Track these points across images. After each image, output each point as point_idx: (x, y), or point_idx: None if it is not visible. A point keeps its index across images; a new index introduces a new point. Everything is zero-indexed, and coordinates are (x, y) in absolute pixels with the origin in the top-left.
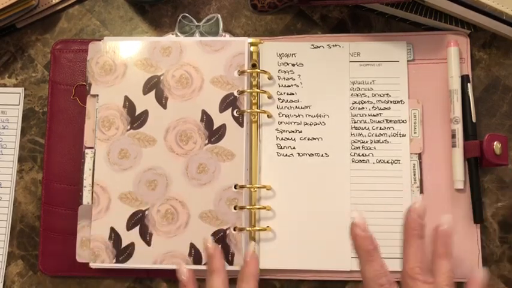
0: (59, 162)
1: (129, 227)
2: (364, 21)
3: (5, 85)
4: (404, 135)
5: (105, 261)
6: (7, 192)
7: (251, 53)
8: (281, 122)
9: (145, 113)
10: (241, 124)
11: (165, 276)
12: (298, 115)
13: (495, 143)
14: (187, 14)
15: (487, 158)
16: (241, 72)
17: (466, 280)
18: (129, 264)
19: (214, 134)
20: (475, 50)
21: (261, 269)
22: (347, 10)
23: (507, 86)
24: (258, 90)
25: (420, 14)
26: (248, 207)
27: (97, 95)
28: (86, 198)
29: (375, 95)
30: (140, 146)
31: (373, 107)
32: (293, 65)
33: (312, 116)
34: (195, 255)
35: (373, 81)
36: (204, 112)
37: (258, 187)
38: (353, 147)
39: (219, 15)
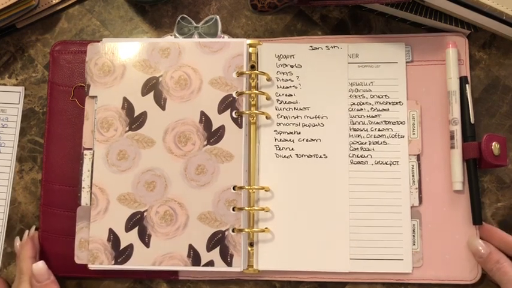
0: (58, 163)
1: (128, 228)
2: (364, 21)
3: (5, 85)
4: (403, 137)
5: (103, 262)
6: (4, 191)
7: (250, 54)
8: (280, 124)
9: (144, 114)
10: (239, 125)
11: (164, 278)
12: (297, 116)
13: (493, 144)
14: (186, 16)
15: (485, 159)
16: (240, 74)
17: (465, 282)
18: (128, 266)
19: (213, 135)
20: (474, 50)
21: (259, 270)
22: (347, 10)
23: (507, 86)
24: (257, 92)
25: (420, 14)
26: (247, 208)
27: (95, 96)
28: (85, 199)
29: (373, 97)
30: (139, 147)
31: (371, 108)
32: (292, 66)
33: (310, 118)
34: (194, 256)
35: (372, 82)
36: (202, 113)
37: (257, 188)
38: (351, 149)
39: (217, 17)
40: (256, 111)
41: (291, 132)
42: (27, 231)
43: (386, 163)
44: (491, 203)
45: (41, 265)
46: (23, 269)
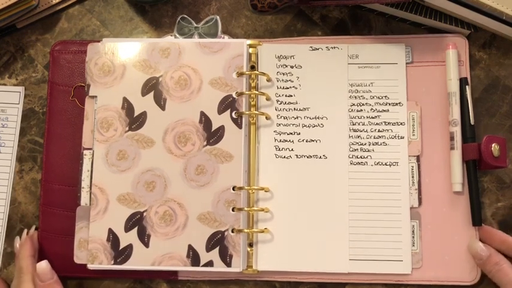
0: (58, 163)
1: (127, 228)
2: (364, 21)
3: (5, 85)
4: (403, 138)
5: (103, 262)
6: (4, 191)
7: (250, 55)
8: (279, 124)
9: (143, 115)
10: (239, 126)
11: (163, 278)
12: (297, 117)
13: (493, 145)
14: (186, 16)
15: (485, 160)
16: (240, 74)
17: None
18: (127, 266)
19: (213, 135)
20: (474, 50)
21: (259, 271)
22: (347, 10)
23: (507, 86)
24: (257, 92)
25: (420, 14)
26: (246, 209)
27: (95, 96)
28: (84, 199)
29: (373, 97)
30: (139, 147)
31: (371, 109)
32: (292, 67)
33: (310, 118)
34: (193, 256)
35: (372, 83)
36: (202, 113)
37: (256, 189)
38: (351, 150)
39: (217, 17)
40: (256, 112)
41: (291, 133)
42: (25, 230)
43: (386, 164)
44: (491, 203)
45: (44, 264)
46: (23, 267)
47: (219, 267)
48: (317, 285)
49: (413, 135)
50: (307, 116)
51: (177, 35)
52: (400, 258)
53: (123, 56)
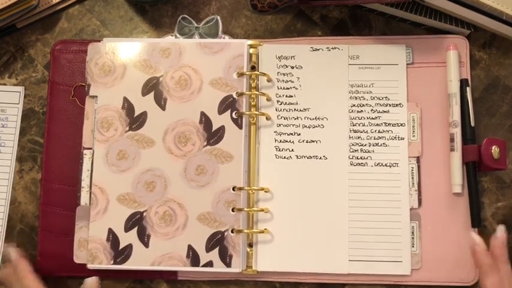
0: (58, 162)
1: (127, 228)
2: (364, 21)
3: (5, 85)
4: (403, 139)
5: (102, 262)
6: (4, 191)
7: (250, 55)
8: (280, 125)
9: (144, 115)
10: (240, 126)
11: (162, 278)
12: (297, 117)
13: (493, 148)
14: (186, 16)
15: (485, 163)
16: (240, 74)
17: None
18: (127, 266)
19: (213, 135)
20: (475, 50)
21: (258, 271)
22: (347, 10)
23: (507, 86)
24: (257, 93)
25: (420, 14)
26: (246, 209)
27: (96, 96)
28: (84, 199)
29: (373, 98)
30: (139, 147)
31: (371, 110)
32: (292, 67)
33: (310, 119)
34: (193, 257)
35: (372, 84)
36: (203, 114)
37: (256, 189)
38: (351, 150)
39: (218, 17)
40: (256, 112)
41: (291, 133)
42: (12, 251)
43: (386, 165)
44: (491, 202)
45: (95, 279)
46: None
47: (219, 267)
48: (316, 286)
49: (414, 136)
50: (308, 116)
51: (178, 35)
52: (399, 259)
53: (123, 56)
